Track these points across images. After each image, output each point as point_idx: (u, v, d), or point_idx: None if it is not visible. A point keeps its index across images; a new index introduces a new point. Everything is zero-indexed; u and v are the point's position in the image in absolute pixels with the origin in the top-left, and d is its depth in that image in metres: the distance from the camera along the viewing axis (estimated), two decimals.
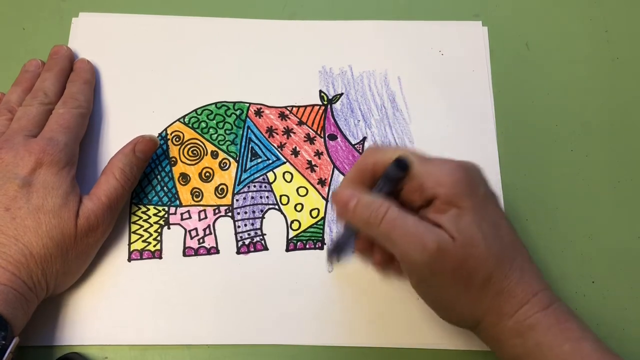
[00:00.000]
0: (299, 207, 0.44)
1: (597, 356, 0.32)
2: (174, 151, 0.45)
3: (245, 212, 0.44)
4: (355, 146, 0.46)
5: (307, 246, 0.43)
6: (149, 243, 0.43)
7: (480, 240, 0.32)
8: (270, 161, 0.45)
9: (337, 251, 0.40)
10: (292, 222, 0.44)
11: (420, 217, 0.34)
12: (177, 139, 0.46)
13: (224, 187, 0.44)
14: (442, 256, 0.32)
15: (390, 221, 0.32)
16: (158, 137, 0.45)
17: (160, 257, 0.42)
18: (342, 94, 0.48)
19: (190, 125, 0.46)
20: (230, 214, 0.44)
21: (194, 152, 0.45)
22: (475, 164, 0.35)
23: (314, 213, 0.44)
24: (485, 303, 0.33)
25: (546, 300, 0.33)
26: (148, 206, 0.44)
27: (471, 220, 0.32)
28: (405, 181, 0.34)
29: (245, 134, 0.46)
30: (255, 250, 0.43)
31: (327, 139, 0.46)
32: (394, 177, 0.34)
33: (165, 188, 0.44)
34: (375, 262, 0.38)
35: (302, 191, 0.44)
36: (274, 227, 0.43)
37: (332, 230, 0.43)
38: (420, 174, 0.33)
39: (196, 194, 0.44)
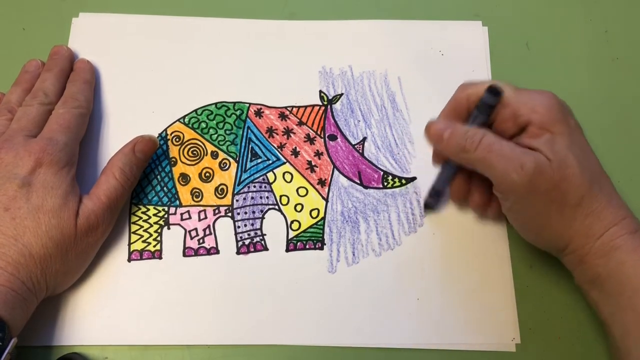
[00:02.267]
0: (299, 208, 0.44)
1: None
2: (174, 151, 0.45)
3: (245, 213, 0.44)
4: (355, 146, 0.46)
5: (307, 246, 0.43)
6: (149, 243, 0.43)
7: (574, 163, 0.34)
8: (270, 161, 0.45)
9: (434, 197, 0.41)
10: (292, 222, 0.44)
11: (516, 141, 0.36)
12: (177, 139, 0.46)
13: (224, 187, 0.44)
14: (540, 176, 0.34)
15: (487, 145, 0.35)
16: (158, 137, 0.45)
17: (160, 258, 0.42)
18: (342, 94, 0.48)
19: (190, 125, 0.46)
20: (230, 214, 0.44)
21: (194, 152, 0.45)
22: (565, 102, 0.37)
23: (314, 213, 0.44)
24: (576, 224, 0.35)
25: (633, 225, 0.35)
26: (148, 206, 0.44)
27: (565, 144, 0.35)
28: (498, 110, 0.36)
29: (245, 134, 0.46)
30: (255, 251, 0.43)
31: (327, 139, 0.46)
32: (488, 105, 0.36)
33: (165, 188, 0.44)
34: (473, 204, 0.40)
35: (302, 191, 0.44)
36: (274, 228, 0.43)
37: (332, 231, 0.43)
38: (514, 101, 0.36)
39: (196, 194, 0.44)
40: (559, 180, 0.34)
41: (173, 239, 0.43)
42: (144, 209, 0.43)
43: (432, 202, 0.43)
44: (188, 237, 0.43)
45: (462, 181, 0.40)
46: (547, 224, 0.36)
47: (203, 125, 0.46)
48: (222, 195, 0.44)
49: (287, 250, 0.43)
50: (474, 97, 0.37)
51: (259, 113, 0.47)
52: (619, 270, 0.34)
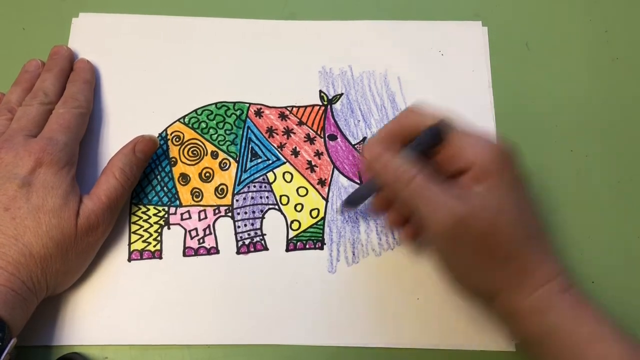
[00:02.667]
0: (299, 207, 0.44)
1: (616, 338, 0.32)
2: (174, 151, 0.45)
3: (245, 212, 0.44)
4: (355, 146, 0.46)
5: (307, 246, 0.43)
6: (149, 243, 0.43)
7: (510, 215, 0.33)
8: (270, 161, 0.45)
9: (352, 202, 0.40)
10: (292, 222, 0.44)
11: (450, 183, 0.34)
12: (177, 139, 0.46)
13: (224, 187, 0.44)
14: (467, 224, 0.32)
15: (420, 184, 0.33)
16: (158, 137, 0.45)
17: (160, 257, 0.42)
18: (342, 94, 0.48)
19: (190, 125, 0.46)
20: (230, 214, 0.44)
21: (194, 152, 0.45)
22: (513, 148, 0.36)
23: (314, 213, 0.44)
24: (506, 277, 0.33)
25: (567, 282, 0.34)
26: (148, 206, 0.44)
27: (504, 193, 0.33)
28: (441, 147, 0.34)
29: (245, 134, 0.46)
30: (255, 250, 0.43)
31: (327, 139, 0.46)
32: (431, 142, 0.34)
33: (165, 188, 0.44)
34: (390, 221, 0.39)
35: (302, 191, 0.44)
36: (274, 227, 0.43)
37: (332, 230, 0.43)
38: (458, 142, 0.34)
39: (196, 194, 0.44)
40: (488, 232, 0.32)
41: (173, 238, 0.43)
42: (144, 209, 0.43)
43: (353, 205, 0.40)
44: (188, 237, 0.43)
45: (384, 198, 0.39)
46: (473, 273, 0.34)
47: (203, 125, 0.46)
48: (222, 195, 0.44)
49: (287, 250, 0.43)
50: (419, 126, 0.34)
51: (259, 113, 0.47)
52: (554, 332, 0.32)
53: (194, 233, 0.43)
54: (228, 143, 0.46)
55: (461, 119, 0.35)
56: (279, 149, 0.46)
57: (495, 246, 0.33)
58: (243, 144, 0.46)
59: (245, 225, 0.43)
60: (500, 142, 0.34)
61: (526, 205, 0.34)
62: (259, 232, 0.43)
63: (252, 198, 0.44)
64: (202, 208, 0.44)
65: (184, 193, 0.44)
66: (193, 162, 0.45)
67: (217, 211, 0.44)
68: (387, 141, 0.35)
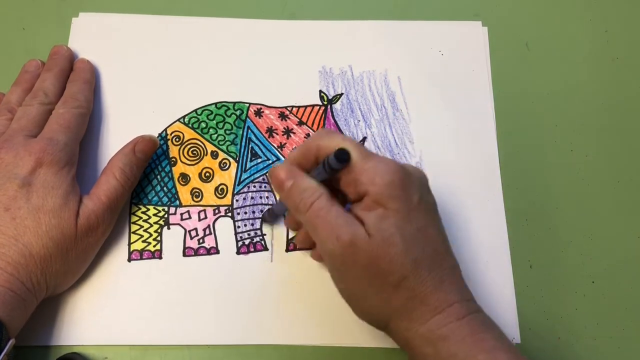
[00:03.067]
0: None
1: None
2: (174, 151, 0.45)
3: (245, 212, 0.44)
4: None
5: (307, 246, 0.43)
6: (149, 243, 0.43)
7: (399, 243, 0.32)
8: (270, 161, 0.45)
9: (270, 217, 0.42)
10: None
11: (350, 210, 0.34)
12: (177, 139, 0.46)
13: (224, 187, 0.44)
14: (354, 250, 0.32)
15: (316, 210, 0.33)
16: (158, 137, 0.45)
17: (160, 257, 0.42)
18: (342, 94, 0.48)
19: (190, 125, 0.46)
20: (230, 214, 0.44)
21: (194, 152, 0.45)
22: (420, 170, 0.36)
23: None
24: (396, 304, 0.33)
25: (462, 311, 0.33)
26: (148, 206, 0.44)
27: (394, 222, 0.33)
28: (344, 172, 0.34)
29: (245, 134, 0.46)
30: (255, 251, 0.43)
31: None
32: (332, 167, 0.34)
33: (165, 188, 0.44)
34: (299, 240, 0.41)
35: None
36: (274, 227, 0.43)
37: None
38: (358, 169, 0.34)
39: (196, 194, 0.44)
40: (376, 258, 0.32)
41: (173, 238, 0.43)
42: (144, 209, 0.43)
43: (269, 219, 0.43)
44: (188, 237, 0.43)
45: (294, 218, 0.40)
46: (365, 298, 0.34)
47: (203, 125, 0.46)
48: (222, 195, 0.44)
49: (287, 250, 0.43)
50: (323, 151, 0.35)
51: (259, 113, 0.47)
52: None
53: (193, 233, 0.43)
54: (228, 143, 0.46)
55: (366, 147, 0.36)
56: (279, 149, 0.46)
57: (382, 274, 0.33)
58: (243, 143, 0.46)
59: (245, 225, 0.43)
60: (398, 169, 0.34)
61: (420, 233, 0.33)
62: (259, 232, 0.43)
63: (252, 198, 0.44)
64: (202, 208, 0.44)
65: (184, 193, 0.44)
66: (193, 162, 0.45)
67: (217, 211, 0.44)
68: (296, 162, 0.36)
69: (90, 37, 0.48)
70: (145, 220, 0.43)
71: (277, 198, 0.44)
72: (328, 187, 0.35)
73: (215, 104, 0.47)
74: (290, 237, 0.43)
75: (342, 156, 0.33)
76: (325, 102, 0.47)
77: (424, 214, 0.34)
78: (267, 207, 0.44)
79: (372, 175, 0.33)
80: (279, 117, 0.47)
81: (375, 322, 0.36)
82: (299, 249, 0.43)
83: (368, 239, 0.32)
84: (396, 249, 0.32)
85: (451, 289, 0.34)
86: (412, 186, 0.34)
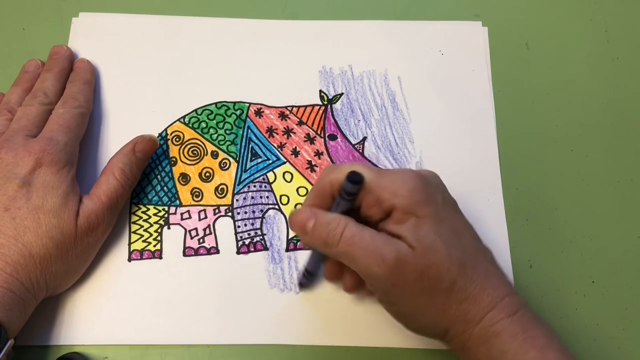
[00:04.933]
0: (299, 207, 0.44)
1: None
2: (174, 151, 0.45)
3: (245, 212, 0.44)
4: (356, 146, 0.46)
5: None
6: (149, 243, 0.43)
7: (441, 247, 0.32)
8: (270, 161, 0.45)
9: (307, 278, 0.40)
10: None
11: (381, 230, 0.33)
12: (177, 139, 0.46)
13: (224, 187, 0.44)
14: (402, 267, 0.32)
15: (348, 239, 0.32)
16: (158, 137, 0.45)
17: (161, 257, 0.42)
18: (342, 94, 0.48)
19: (190, 125, 0.46)
20: (230, 213, 0.44)
21: (194, 152, 0.45)
22: (433, 172, 0.36)
23: None
24: (451, 311, 0.33)
25: (513, 306, 0.33)
26: (148, 206, 0.44)
27: (430, 227, 0.32)
28: (362, 196, 0.34)
29: (245, 134, 0.46)
30: (255, 250, 0.43)
31: (327, 139, 0.46)
32: (349, 193, 0.33)
33: (165, 188, 0.44)
34: (346, 287, 0.38)
35: (302, 191, 0.44)
36: (274, 227, 0.43)
37: None
38: (376, 187, 0.33)
39: (196, 194, 0.44)
40: (424, 268, 0.32)
41: (173, 238, 0.43)
42: (144, 209, 0.43)
43: (306, 282, 0.41)
44: (188, 237, 0.43)
45: (333, 264, 0.38)
46: (420, 313, 0.33)
47: (203, 125, 0.46)
48: (222, 195, 0.44)
49: (287, 249, 0.43)
50: (336, 183, 0.34)
51: (259, 113, 0.47)
52: (502, 359, 0.32)
53: (194, 233, 0.43)
54: (228, 143, 0.46)
55: (377, 168, 0.34)
56: (279, 149, 0.46)
57: (433, 282, 0.32)
58: (243, 143, 0.46)
59: (246, 225, 0.43)
60: (415, 176, 0.34)
61: (458, 231, 0.34)
62: (259, 232, 0.43)
63: (252, 198, 0.44)
64: (202, 208, 0.44)
65: (184, 193, 0.44)
66: (193, 162, 0.45)
67: (217, 211, 0.44)
68: (313, 204, 0.35)
69: (90, 37, 0.48)
70: (145, 220, 0.43)
71: (306, 258, 0.40)
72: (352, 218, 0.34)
73: (216, 103, 0.47)
74: (290, 236, 0.43)
75: (355, 178, 0.33)
76: (326, 102, 0.47)
77: (451, 213, 0.34)
78: (299, 273, 0.41)
79: (393, 188, 0.33)
80: (279, 117, 0.47)
81: (434, 334, 0.35)
82: (299, 249, 0.43)
83: (412, 252, 0.32)
84: (440, 254, 0.32)
85: (498, 282, 0.33)
86: (432, 188, 0.34)
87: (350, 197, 0.34)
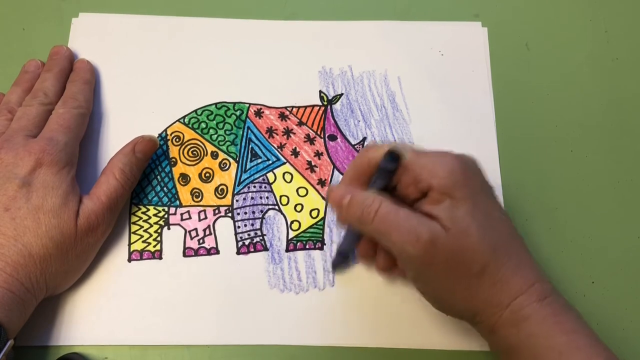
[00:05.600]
0: (298, 208, 0.44)
1: (590, 350, 0.32)
2: (174, 151, 0.45)
3: (245, 213, 0.44)
4: (355, 146, 0.46)
5: (307, 246, 0.43)
6: (149, 243, 0.43)
7: (475, 230, 0.32)
8: (270, 162, 0.45)
9: (341, 260, 0.39)
10: (292, 222, 0.44)
11: (416, 210, 0.34)
12: (177, 140, 0.46)
13: (224, 187, 0.44)
14: (436, 247, 0.32)
15: (383, 216, 0.33)
16: (158, 137, 0.45)
17: (160, 258, 0.42)
18: (342, 94, 0.48)
19: (190, 125, 0.46)
20: (230, 214, 0.44)
21: (194, 152, 0.45)
22: (472, 156, 0.36)
23: (314, 213, 0.44)
24: (482, 293, 0.33)
25: (543, 291, 0.33)
26: (148, 206, 0.44)
27: (465, 210, 0.33)
28: (400, 174, 0.34)
29: (245, 134, 0.46)
30: (255, 251, 0.43)
31: (327, 139, 0.46)
32: (387, 170, 0.34)
33: (165, 188, 0.44)
34: (379, 267, 0.38)
35: (302, 191, 0.44)
36: (274, 228, 0.43)
37: (332, 231, 0.43)
38: (415, 166, 0.34)
39: (196, 194, 0.44)
40: (458, 250, 0.32)
41: (173, 239, 0.43)
42: (144, 209, 0.43)
43: (340, 263, 0.40)
44: (188, 237, 0.43)
45: (368, 244, 0.38)
46: (451, 294, 0.34)
47: (203, 125, 0.46)
48: (222, 196, 0.44)
49: (287, 250, 0.43)
50: (374, 160, 0.35)
51: (259, 113, 0.47)
52: (530, 342, 0.32)
53: (194, 233, 0.43)
54: (228, 143, 0.46)
55: (418, 145, 0.35)
56: (279, 149, 0.46)
57: (465, 265, 0.33)
58: (243, 144, 0.46)
59: (245, 225, 0.43)
60: (455, 158, 0.34)
61: (492, 216, 0.34)
62: (258, 232, 0.43)
63: (252, 198, 0.44)
64: (202, 208, 0.44)
65: (184, 193, 0.44)
66: (193, 163, 0.45)
67: (217, 211, 0.44)
68: (350, 182, 0.36)
69: (90, 37, 0.48)
70: (145, 221, 0.43)
71: (340, 239, 0.39)
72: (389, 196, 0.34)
73: (215, 104, 0.47)
74: (290, 237, 0.43)
75: (394, 155, 0.33)
76: (325, 103, 0.47)
77: (487, 197, 0.35)
78: (334, 255, 0.41)
79: (432, 168, 0.33)
80: (279, 117, 0.47)
81: (463, 316, 0.36)
82: (299, 249, 0.43)
83: (446, 233, 0.32)
84: (474, 238, 0.32)
85: (529, 268, 0.34)
86: (471, 172, 0.34)
87: (388, 174, 0.34)
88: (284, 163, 0.45)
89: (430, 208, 0.33)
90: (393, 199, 0.34)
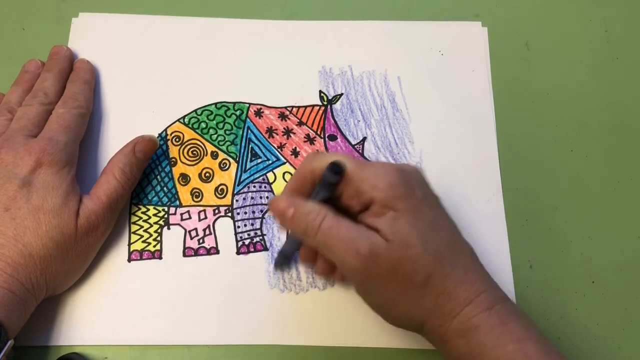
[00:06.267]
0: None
1: (539, 356, 0.32)
2: (173, 151, 0.45)
3: (245, 213, 0.44)
4: (355, 146, 0.46)
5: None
6: (149, 243, 0.43)
7: (417, 241, 0.32)
8: (270, 161, 0.45)
9: (283, 261, 0.40)
10: None
11: (359, 222, 0.34)
12: (177, 140, 0.46)
13: (223, 187, 0.44)
14: (377, 259, 0.32)
15: (326, 229, 0.33)
16: (158, 137, 0.45)
17: (160, 258, 0.42)
18: (342, 94, 0.48)
19: (190, 125, 0.46)
20: (230, 214, 0.44)
21: (194, 152, 0.45)
22: (415, 166, 0.36)
23: None
24: (427, 304, 0.33)
25: (490, 300, 0.33)
26: (148, 206, 0.44)
27: (407, 221, 0.32)
28: (343, 186, 0.34)
29: (245, 134, 0.46)
30: (255, 251, 0.43)
31: (327, 139, 0.46)
32: (329, 182, 0.34)
33: (165, 188, 0.44)
34: (319, 271, 0.38)
35: None
36: (274, 228, 0.43)
37: None
38: (357, 178, 0.34)
39: (196, 194, 0.44)
40: (399, 262, 0.32)
41: (173, 239, 0.43)
42: (144, 209, 0.43)
43: (282, 264, 0.40)
44: (188, 237, 0.43)
45: (309, 250, 0.38)
46: (395, 305, 0.34)
47: (203, 125, 0.46)
48: (222, 195, 0.44)
49: None
50: (317, 171, 0.34)
51: (258, 113, 0.47)
52: (480, 352, 0.32)
53: (193, 233, 0.43)
54: (228, 143, 0.46)
55: (366, 147, 0.35)
56: (279, 149, 0.46)
57: (408, 276, 0.32)
58: (243, 144, 0.46)
59: (245, 225, 0.43)
60: (395, 170, 0.34)
61: (436, 226, 0.34)
62: (258, 232, 0.43)
63: (252, 198, 0.44)
64: (202, 208, 0.44)
65: (184, 193, 0.44)
66: (193, 162, 0.45)
67: (217, 211, 0.44)
68: (292, 192, 0.36)
69: (90, 37, 0.48)
70: (145, 221, 0.43)
71: (284, 240, 0.41)
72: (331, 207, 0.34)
73: (215, 104, 0.47)
74: None
75: (337, 168, 0.33)
76: (325, 102, 0.47)
77: (430, 208, 0.34)
78: (276, 253, 0.41)
79: (373, 181, 0.33)
80: (279, 117, 0.47)
81: (410, 326, 0.35)
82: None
83: (387, 245, 0.32)
84: (416, 249, 0.32)
85: (476, 278, 0.34)
86: (413, 183, 0.34)
87: (330, 186, 0.34)
88: (284, 163, 0.45)
89: (372, 220, 0.33)
90: (336, 210, 0.34)
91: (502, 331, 0.32)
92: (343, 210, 0.34)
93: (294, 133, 0.46)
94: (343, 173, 0.34)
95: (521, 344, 0.32)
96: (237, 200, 0.44)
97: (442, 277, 0.33)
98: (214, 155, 0.45)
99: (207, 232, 0.43)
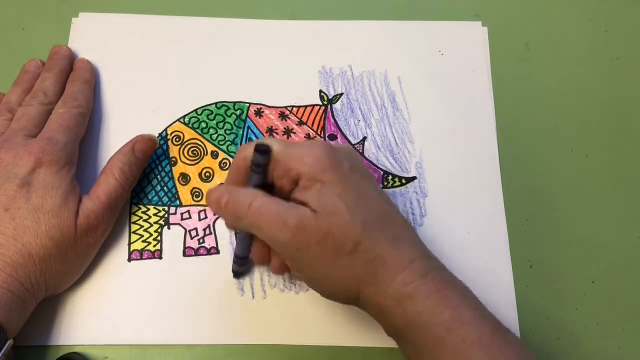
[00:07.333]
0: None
1: (475, 322, 0.32)
2: (174, 151, 0.45)
3: None
4: (355, 146, 0.46)
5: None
6: (149, 243, 0.43)
7: (343, 209, 0.32)
8: None
9: (239, 264, 0.40)
10: None
11: (291, 200, 0.34)
12: (177, 139, 0.46)
13: None
14: (304, 231, 0.32)
15: (256, 209, 0.33)
16: (158, 137, 0.45)
17: (160, 257, 0.42)
18: (342, 94, 0.48)
19: (190, 125, 0.46)
20: None
21: (194, 152, 0.45)
22: (347, 145, 0.36)
23: None
24: (357, 271, 0.33)
25: (424, 267, 0.33)
26: (148, 206, 0.44)
27: (334, 191, 0.33)
28: (273, 167, 0.34)
29: (245, 134, 0.46)
30: None
31: (327, 139, 0.46)
32: (258, 164, 0.34)
33: (165, 188, 0.44)
34: (274, 269, 0.38)
35: None
36: None
37: None
38: (284, 157, 0.34)
39: (196, 193, 0.44)
40: (327, 231, 0.32)
41: (173, 238, 0.43)
42: (144, 209, 0.43)
43: (240, 269, 0.41)
44: (188, 237, 0.43)
45: (261, 247, 0.38)
46: (327, 277, 0.34)
47: (203, 125, 0.46)
48: None
49: None
50: (248, 158, 0.35)
51: (259, 113, 0.47)
52: (418, 321, 0.32)
53: (194, 233, 0.43)
54: (228, 143, 0.46)
55: (281, 140, 0.35)
56: None
57: (337, 244, 0.32)
58: (243, 143, 0.46)
59: None
60: (322, 145, 0.34)
61: (364, 195, 0.34)
62: None
63: None
64: (202, 208, 0.44)
65: (184, 193, 0.44)
66: (193, 162, 0.45)
67: None
68: (232, 182, 0.36)
69: (90, 37, 0.48)
70: (145, 220, 0.43)
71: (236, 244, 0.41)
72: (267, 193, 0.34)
73: (215, 103, 0.47)
74: None
75: (262, 148, 0.34)
76: (325, 102, 0.47)
77: (359, 179, 0.35)
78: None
79: (299, 157, 0.34)
80: (279, 117, 0.47)
81: (346, 298, 0.35)
82: None
83: (314, 215, 0.32)
84: (343, 216, 0.32)
85: (408, 245, 0.34)
86: (340, 156, 0.34)
87: (259, 168, 0.34)
88: None
89: (300, 194, 0.34)
90: (271, 195, 0.34)
91: (438, 298, 0.32)
92: (280, 195, 0.35)
93: (294, 133, 0.46)
94: (270, 152, 0.34)
95: (457, 311, 0.32)
96: None
97: (372, 244, 0.33)
98: (214, 155, 0.45)
99: (208, 231, 0.43)
